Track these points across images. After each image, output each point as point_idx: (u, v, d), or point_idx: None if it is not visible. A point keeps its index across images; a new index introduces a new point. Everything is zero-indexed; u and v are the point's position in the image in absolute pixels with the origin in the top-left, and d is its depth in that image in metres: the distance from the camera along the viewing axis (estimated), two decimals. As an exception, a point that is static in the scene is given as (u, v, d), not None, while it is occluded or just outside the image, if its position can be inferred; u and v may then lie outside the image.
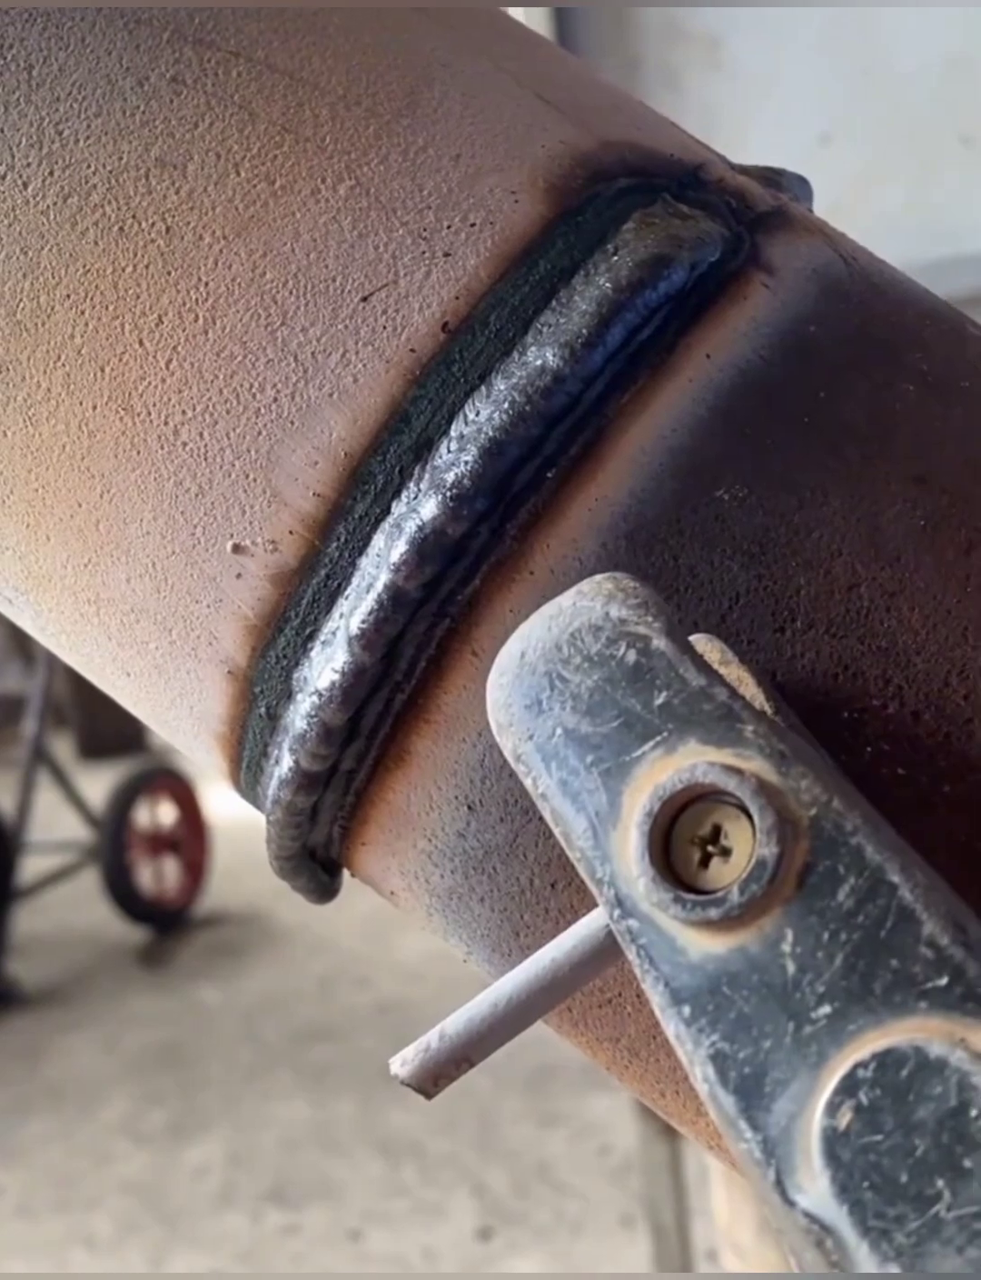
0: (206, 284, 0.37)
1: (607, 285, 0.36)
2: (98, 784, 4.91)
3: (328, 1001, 4.00)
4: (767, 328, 0.37)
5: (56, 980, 4.34)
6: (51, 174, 0.38)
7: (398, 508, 0.36)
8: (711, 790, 0.30)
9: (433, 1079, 0.33)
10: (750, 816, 0.30)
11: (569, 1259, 2.72)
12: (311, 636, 0.37)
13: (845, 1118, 0.28)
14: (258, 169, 0.37)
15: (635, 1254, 2.64)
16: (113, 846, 4.54)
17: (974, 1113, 0.27)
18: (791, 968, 0.29)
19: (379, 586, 0.36)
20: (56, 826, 4.84)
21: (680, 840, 0.30)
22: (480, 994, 0.34)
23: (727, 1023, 0.29)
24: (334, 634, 0.37)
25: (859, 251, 0.41)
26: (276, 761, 0.39)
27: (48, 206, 0.38)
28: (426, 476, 0.36)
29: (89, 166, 0.38)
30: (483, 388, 0.36)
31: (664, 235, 0.37)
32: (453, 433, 0.36)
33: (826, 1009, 0.28)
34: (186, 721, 0.41)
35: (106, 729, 7.02)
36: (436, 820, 0.38)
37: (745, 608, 0.35)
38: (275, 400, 0.37)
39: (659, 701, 0.31)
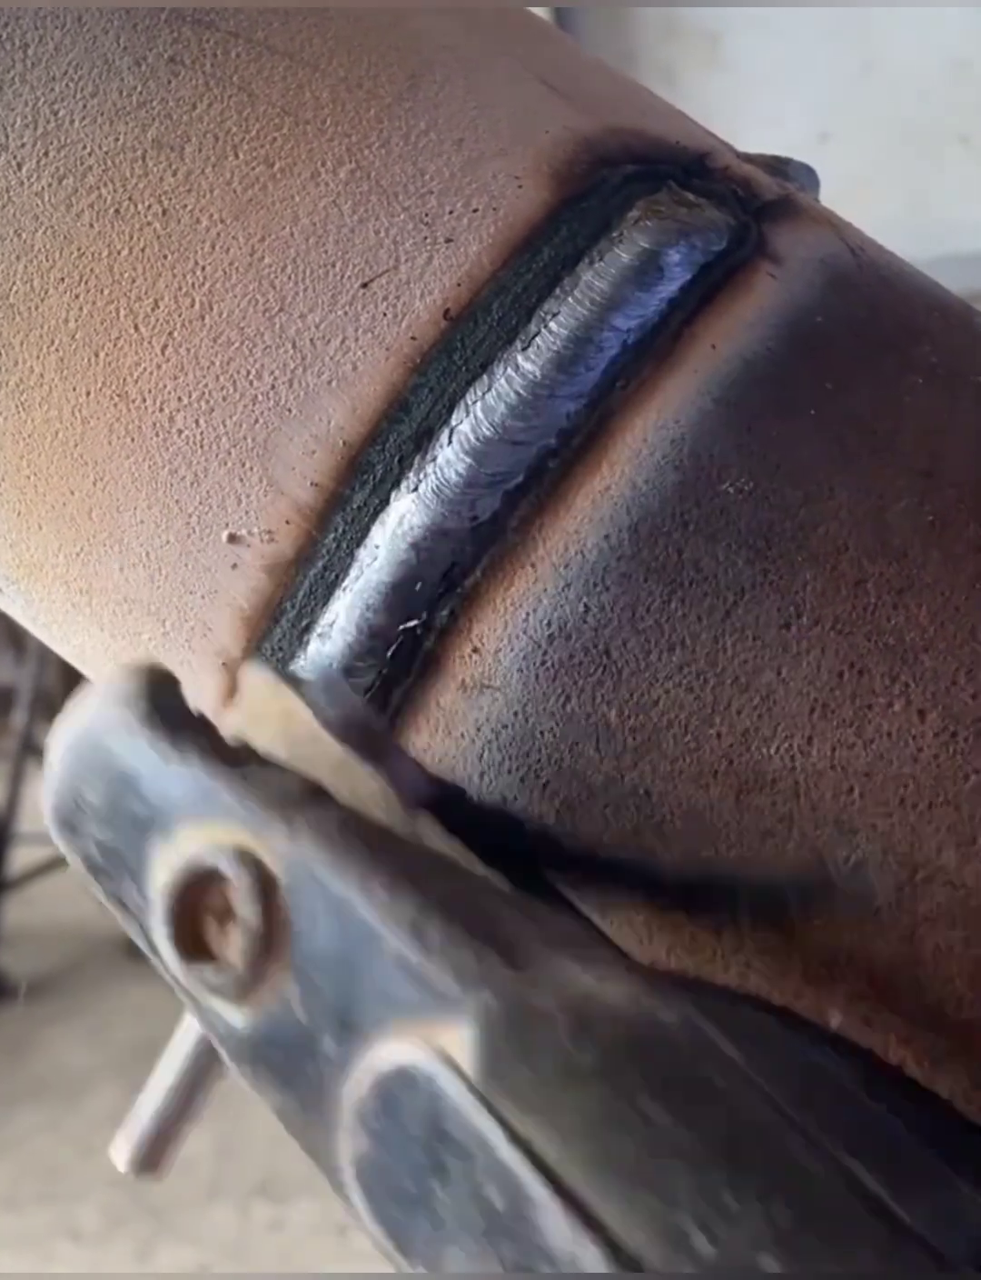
0: (203, 268, 0.36)
1: (612, 273, 0.35)
2: (88, 776, 4.90)
3: (316, 996, 3.99)
4: (774, 318, 0.36)
5: (44, 972, 4.33)
6: (46, 154, 0.37)
7: (397, 499, 0.36)
8: (210, 867, 0.31)
9: (152, 1163, 0.36)
10: None
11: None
12: (307, 629, 0.37)
13: (363, 1144, 0.29)
14: (256, 151, 0.37)
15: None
16: (102, 839, 4.53)
17: (446, 1113, 0.28)
18: (303, 1017, 0.30)
19: (377, 579, 0.36)
20: (43, 818, 4.83)
21: (208, 916, 0.31)
22: (147, 1089, 0.36)
23: (278, 1079, 0.30)
24: (330, 627, 0.36)
25: (866, 242, 0.40)
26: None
27: (42, 188, 0.37)
28: (426, 467, 0.35)
29: (85, 147, 0.37)
30: (484, 377, 0.35)
31: (669, 223, 0.36)
32: (453, 422, 0.35)
33: (332, 1046, 0.29)
34: (179, 714, 0.40)
35: (97, 721, 7.01)
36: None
37: (750, 603, 0.35)
38: (273, 387, 0.36)
39: (152, 794, 0.32)
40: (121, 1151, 0.35)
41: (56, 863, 4.57)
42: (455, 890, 0.30)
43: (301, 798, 0.32)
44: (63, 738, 0.33)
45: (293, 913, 0.30)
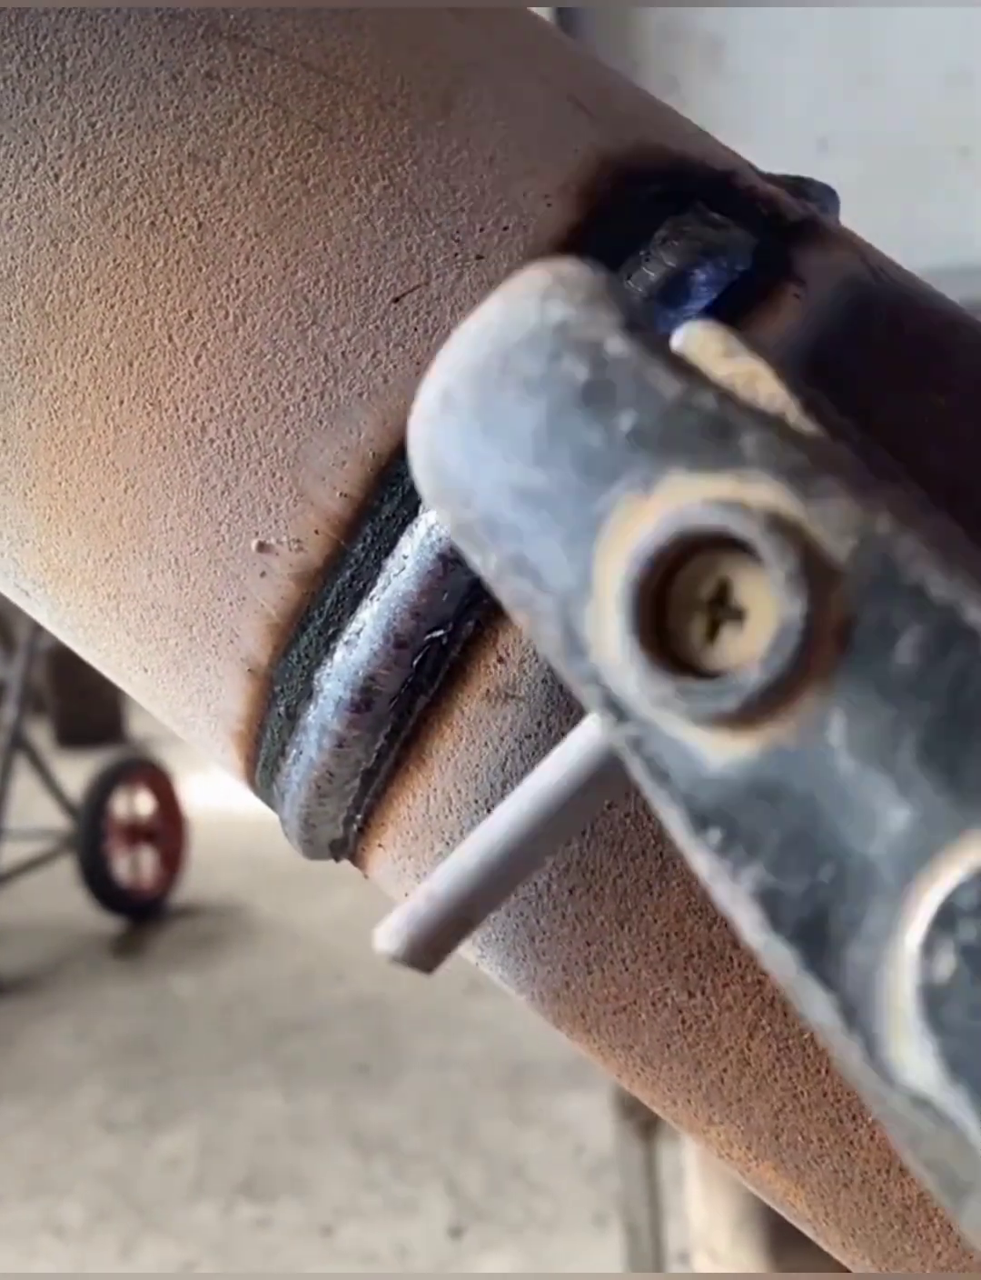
0: (237, 281, 0.37)
1: (640, 293, 0.36)
2: (76, 772, 4.90)
3: (303, 995, 3.99)
4: (798, 339, 0.37)
5: (30, 968, 4.33)
6: (83, 166, 0.38)
7: (426, 510, 0.36)
8: (711, 535, 0.23)
9: (430, 951, 0.27)
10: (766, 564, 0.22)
11: (541, 1258, 2.72)
12: (334, 636, 0.37)
13: (946, 963, 0.20)
14: (291, 167, 0.37)
15: (607, 1254, 2.64)
16: (89, 835, 4.53)
17: None
18: (846, 764, 0.22)
19: (404, 588, 0.36)
20: (33, 814, 4.83)
21: (679, 609, 0.23)
22: (464, 844, 0.28)
23: (772, 847, 0.22)
24: (357, 634, 0.37)
25: (887, 263, 0.41)
26: (294, 761, 0.39)
27: (79, 199, 0.38)
28: None
29: (121, 160, 0.38)
30: None
31: (695, 243, 0.37)
32: None
33: (903, 814, 0.21)
34: (203, 719, 0.41)
35: (85, 717, 7.01)
36: (455, 823, 0.38)
37: None
38: (304, 399, 0.37)
39: (626, 427, 0.23)
40: (396, 935, 0.27)
41: (43, 859, 4.57)
42: None
43: (867, 472, 0.23)
44: (484, 331, 0.25)
45: (859, 615, 0.22)
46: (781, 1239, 1.60)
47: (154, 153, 0.37)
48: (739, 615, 0.22)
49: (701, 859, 0.23)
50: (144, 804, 4.80)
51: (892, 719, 0.21)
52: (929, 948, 0.21)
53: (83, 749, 6.49)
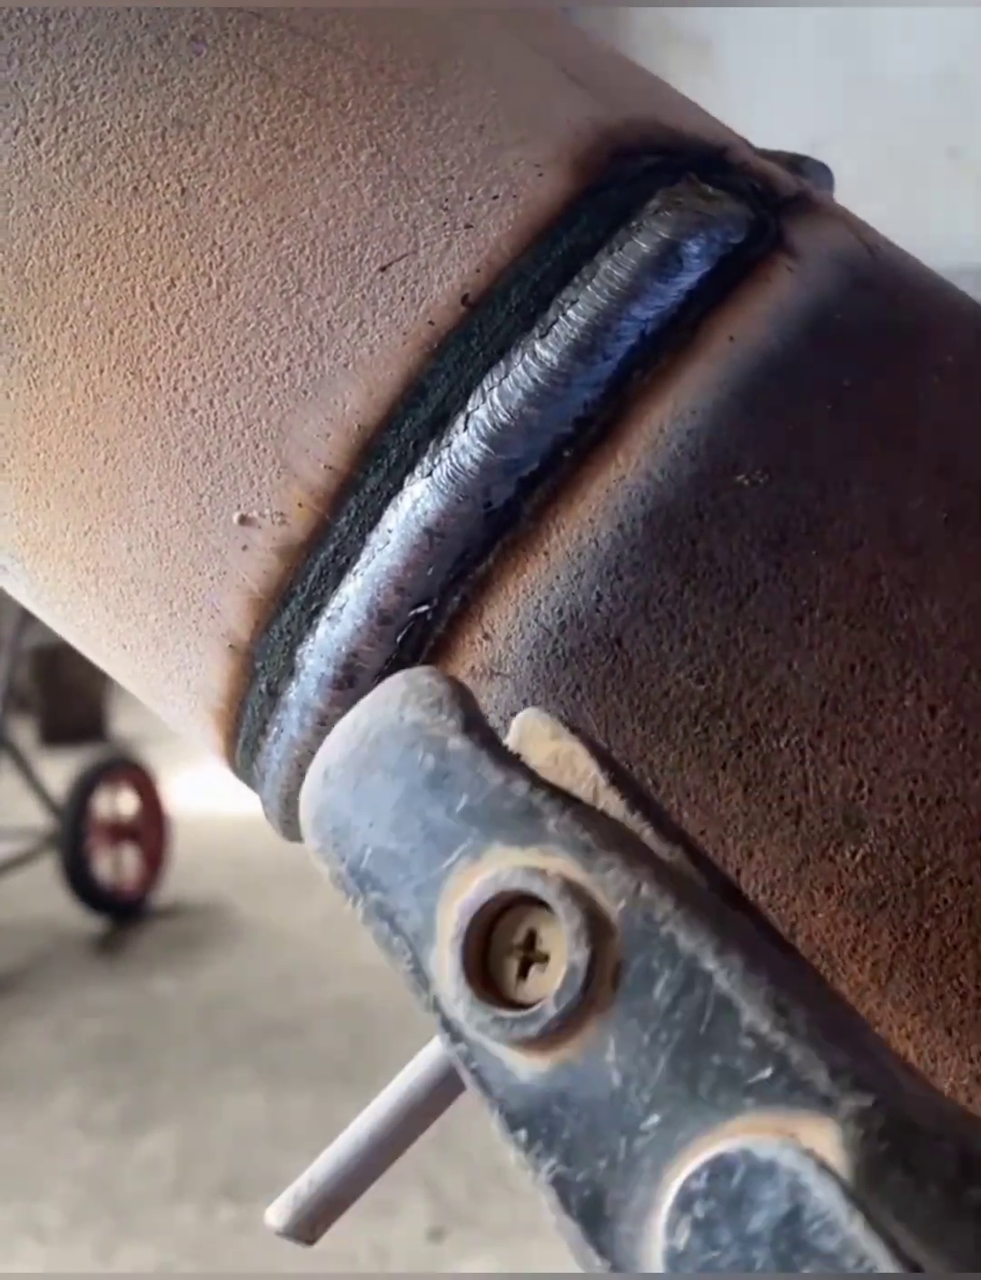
0: (221, 248, 0.36)
1: (631, 263, 0.35)
2: (59, 771, 4.88)
3: (285, 997, 3.98)
4: (792, 312, 0.36)
5: (10, 968, 4.31)
6: (65, 130, 0.37)
7: (411, 483, 0.35)
8: (520, 895, 0.28)
9: (309, 1227, 0.32)
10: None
11: (521, 1262, 2.71)
12: (317, 612, 0.37)
13: (682, 1235, 0.26)
14: (277, 132, 0.37)
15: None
16: (72, 834, 4.51)
17: (807, 1216, 0.25)
18: (616, 1078, 0.27)
19: (389, 563, 0.35)
20: (15, 813, 4.81)
21: (498, 952, 0.29)
22: (341, 1136, 0.33)
23: (563, 1144, 0.27)
24: (340, 610, 0.36)
25: (882, 241, 0.40)
26: (275, 739, 0.38)
27: (60, 163, 0.37)
28: (441, 452, 0.35)
29: (104, 124, 0.37)
30: (501, 363, 0.35)
31: (689, 214, 0.36)
32: (469, 408, 0.35)
33: (654, 1118, 0.27)
34: (182, 696, 0.40)
35: (68, 716, 6.99)
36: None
37: (763, 595, 0.35)
38: (288, 369, 0.36)
39: (460, 806, 0.29)
40: (281, 1214, 0.32)
41: (25, 858, 4.55)
42: (791, 968, 0.28)
43: (640, 844, 0.29)
44: (354, 726, 0.31)
45: (629, 960, 0.27)
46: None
47: (137, 117, 0.37)
48: (543, 958, 0.28)
49: (514, 1153, 0.28)
50: (127, 803, 4.79)
51: (649, 1043, 0.27)
52: (672, 1224, 0.26)
53: (66, 747, 6.47)
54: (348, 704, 0.37)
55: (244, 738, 0.39)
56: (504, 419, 0.35)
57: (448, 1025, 0.29)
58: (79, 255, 0.37)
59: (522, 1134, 0.28)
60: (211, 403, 0.36)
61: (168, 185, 0.36)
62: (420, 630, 0.36)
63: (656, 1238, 0.26)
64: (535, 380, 0.35)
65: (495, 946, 0.29)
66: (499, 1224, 2.84)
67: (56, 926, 4.62)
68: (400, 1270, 2.73)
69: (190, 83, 0.37)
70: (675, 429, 0.35)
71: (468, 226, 0.36)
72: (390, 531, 0.36)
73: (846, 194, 0.44)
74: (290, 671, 0.37)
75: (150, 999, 4.06)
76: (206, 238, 0.36)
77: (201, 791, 5.45)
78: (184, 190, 0.36)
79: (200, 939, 4.48)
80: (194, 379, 0.36)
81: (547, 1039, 0.27)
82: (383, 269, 0.36)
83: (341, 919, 4.34)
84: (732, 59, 1.82)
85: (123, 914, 4.67)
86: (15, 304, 0.37)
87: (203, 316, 0.36)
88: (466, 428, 0.35)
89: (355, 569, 0.36)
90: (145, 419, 0.37)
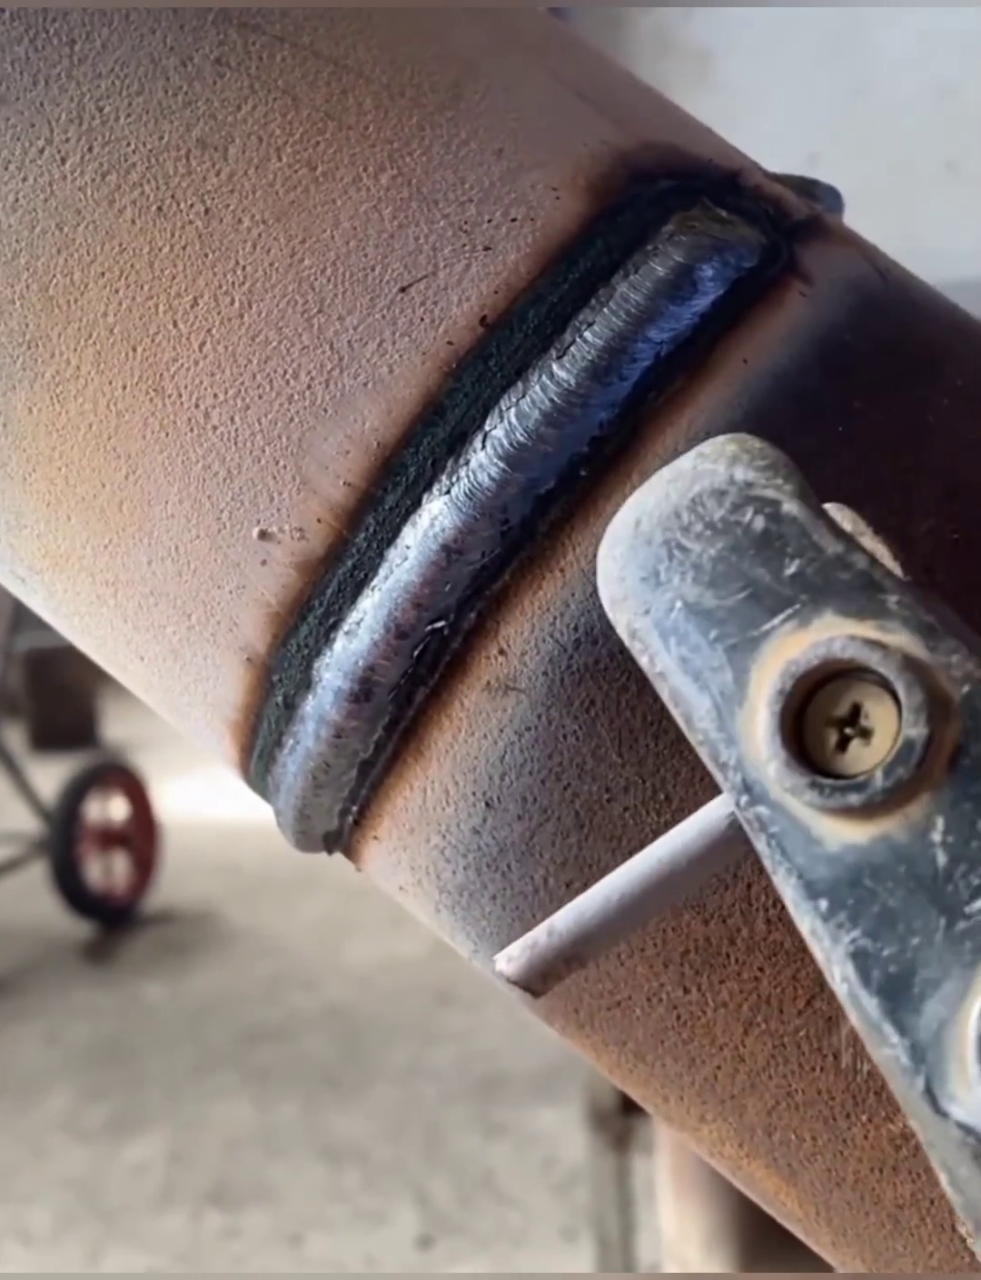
0: (244, 268, 0.37)
1: (647, 286, 0.36)
2: (49, 776, 4.88)
3: (274, 1003, 3.98)
4: (804, 336, 0.37)
5: (0, 972, 4.31)
6: (90, 150, 0.38)
7: (429, 501, 0.36)
8: (850, 667, 0.28)
9: (541, 976, 0.31)
10: (894, 695, 0.27)
11: (510, 1270, 2.71)
12: (335, 626, 0.37)
13: None
14: (299, 155, 0.37)
15: (576, 1268, 2.64)
16: (62, 840, 4.51)
17: None
18: (942, 858, 0.27)
19: (406, 579, 0.36)
20: (5, 818, 4.81)
21: (814, 721, 0.28)
22: (591, 889, 0.32)
23: (870, 918, 0.27)
24: (358, 624, 0.37)
25: (892, 264, 0.41)
26: (291, 752, 0.39)
27: (86, 183, 0.38)
28: (459, 471, 0.36)
29: (129, 145, 0.37)
30: (518, 384, 0.36)
31: (703, 238, 0.37)
32: (487, 428, 0.36)
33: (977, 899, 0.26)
34: (198, 708, 0.41)
35: (60, 721, 6.98)
36: (452, 816, 0.38)
37: None
38: (309, 387, 0.37)
39: (790, 571, 0.29)
40: (513, 960, 0.30)
41: (15, 863, 4.55)
42: None
43: (964, 627, 0.29)
44: (675, 478, 0.30)
45: (967, 745, 0.27)
46: (753, 1253, 1.60)
47: (162, 138, 0.37)
48: (865, 732, 0.28)
49: (807, 920, 0.28)
50: (118, 809, 4.79)
51: None
52: None
53: (57, 753, 6.47)
54: (363, 717, 0.38)
55: (259, 749, 0.40)
56: (521, 438, 0.36)
57: (748, 788, 0.28)
58: (103, 273, 0.37)
59: (823, 903, 0.27)
60: (233, 419, 0.37)
61: (191, 205, 0.37)
62: (436, 645, 0.37)
63: (971, 1021, 0.26)
64: (552, 400, 0.36)
65: (811, 716, 0.28)
66: (487, 1232, 2.84)
67: (46, 932, 4.62)
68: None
69: (214, 105, 0.37)
70: (689, 449, 0.36)
71: (486, 248, 0.37)
72: (408, 548, 0.36)
73: (846, 207, 0.45)
74: (307, 684, 0.38)
75: (139, 1004, 4.06)
76: (229, 257, 0.37)
77: (192, 798, 5.45)
78: (207, 211, 0.37)
79: (190, 945, 4.48)
80: (216, 396, 0.37)
81: (869, 810, 0.27)
82: (403, 290, 0.36)
83: (331, 926, 4.34)
84: (732, 71, 1.83)
85: (113, 919, 4.67)
86: (40, 320, 0.38)
87: (225, 335, 0.37)
88: (484, 446, 0.36)
89: (373, 584, 0.36)
90: (167, 435, 0.37)
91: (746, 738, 0.28)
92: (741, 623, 0.29)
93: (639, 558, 0.30)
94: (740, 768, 0.28)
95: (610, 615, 0.31)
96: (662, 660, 0.29)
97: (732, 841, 0.30)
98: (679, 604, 0.29)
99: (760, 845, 0.28)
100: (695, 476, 0.30)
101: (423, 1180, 3.04)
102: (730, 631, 0.29)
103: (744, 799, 0.28)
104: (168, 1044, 3.79)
